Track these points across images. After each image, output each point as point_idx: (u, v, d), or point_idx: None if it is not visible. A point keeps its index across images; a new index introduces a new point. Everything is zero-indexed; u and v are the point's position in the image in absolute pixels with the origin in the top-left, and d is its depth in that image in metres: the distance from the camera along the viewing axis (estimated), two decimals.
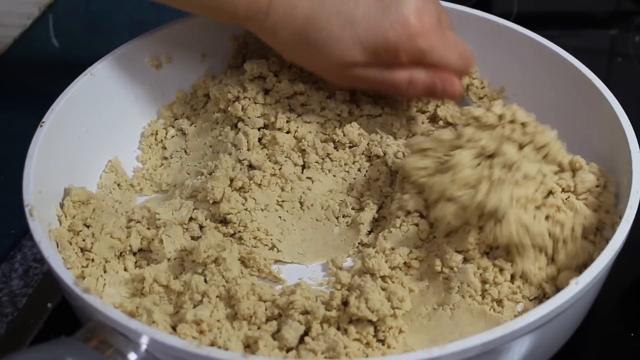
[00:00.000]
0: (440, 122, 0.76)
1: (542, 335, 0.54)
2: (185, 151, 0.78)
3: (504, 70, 0.82)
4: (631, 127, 0.66)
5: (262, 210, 0.70)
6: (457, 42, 0.70)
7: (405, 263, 0.64)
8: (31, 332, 0.66)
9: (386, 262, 0.63)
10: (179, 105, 0.82)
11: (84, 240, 0.65)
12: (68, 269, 0.55)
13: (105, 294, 0.63)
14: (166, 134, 0.79)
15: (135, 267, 0.66)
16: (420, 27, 0.66)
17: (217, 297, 0.59)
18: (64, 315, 0.67)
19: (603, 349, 0.66)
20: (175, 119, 0.81)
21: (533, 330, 0.52)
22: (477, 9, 0.83)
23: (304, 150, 0.73)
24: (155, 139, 0.79)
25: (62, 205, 0.67)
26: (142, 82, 0.79)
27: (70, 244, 0.64)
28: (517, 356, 0.55)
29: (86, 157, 0.73)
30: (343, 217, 0.71)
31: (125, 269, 0.65)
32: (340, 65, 0.68)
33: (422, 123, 0.75)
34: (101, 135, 0.75)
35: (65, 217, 0.66)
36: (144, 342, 0.51)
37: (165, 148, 0.78)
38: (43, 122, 0.67)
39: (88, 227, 0.66)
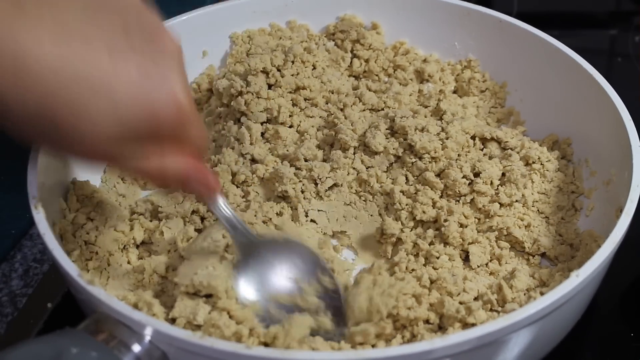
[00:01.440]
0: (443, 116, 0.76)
1: (543, 328, 0.55)
2: None
3: (506, 66, 0.83)
4: (632, 121, 0.66)
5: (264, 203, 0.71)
6: (201, 122, 0.61)
7: None
8: (31, 332, 0.66)
9: None
10: None
11: (87, 233, 0.65)
12: (72, 261, 0.55)
13: (108, 287, 0.63)
14: None
15: (138, 260, 0.66)
16: (187, 101, 0.54)
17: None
18: (64, 315, 0.67)
19: (603, 348, 0.66)
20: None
21: (534, 322, 0.52)
22: None
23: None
24: None
25: (66, 199, 0.67)
26: None
27: (74, 237, 0.65)
28: (517, 348, 0.55)
29: None
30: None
31: (128, 262, 0.66)
32: (92, 151, 0.53)
33: (425, 117, 0.75)
34: None
35: (70, 210, 0.66)
36: (147, 333, 0.51)
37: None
38: None
39: (92, 220, 0.67)
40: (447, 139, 0.71)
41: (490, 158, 0.72)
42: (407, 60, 0.85)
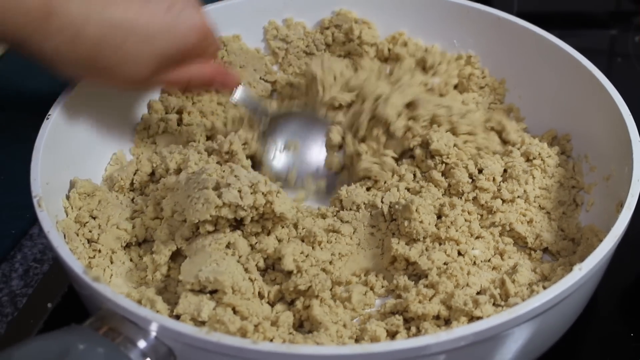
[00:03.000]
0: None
1: (545, 322, 0.55)
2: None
3: (504, 63, 0.83)
4: (631, 117, 0.67)
5: None
6: (214, 32, 0.71)
7: None
8: (31, 332, 0.66)
9: None
10: (170, 99, 0.82)
11: (90, 231, 0.65)
12: (76, 259, 0.56)
13: (112, 285, 0.63)
14: (158, 128, 0.79)
15: (140, 258, 0.66)
16: (206, 27, 0.67)
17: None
18: (64, 315, 0.67)
19: (603, 349, 0.66)
20: (167, 113, 0.81)
21: (537, 316, 0.53)
22: None
23: None
24: (148, 133, 0.79)
25: (68, 197, 0.67)
26: None
27: (77, 235, 0.65)
28: (519, 343, 0.55)
29: (92, 149, 0.73)
30: None
31: (131, 260, 0.66)
32: (136, 80, 0.65)
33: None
34: (107, 128, 0.75)
35: (72, 208, 0.67)
36: (153, 329, 0.51)
37: (155, 143, 0.79)
38: (49, 115, 0.67)
39: (94, 218, 0.67)
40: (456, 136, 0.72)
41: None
42: (408, 52, 0.85)
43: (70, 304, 0.65)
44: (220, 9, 0.84)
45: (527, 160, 0.72)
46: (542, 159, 0.72)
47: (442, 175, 0.71)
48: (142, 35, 0.62)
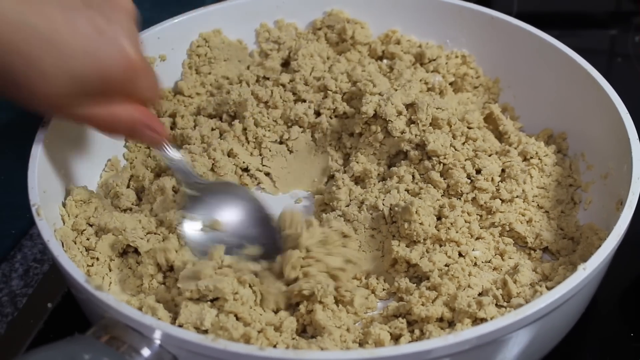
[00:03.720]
0: None
1: (549, 323, 0.55)
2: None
3: (498, 63, 0.83)
4: (629, 115, 0.67)
5: None
6: (151, 69, 0.63)
7: None
8: (31, 332, 0.66)
9: None
10: (163, 103, 0.81)
11: (88, 239, 0.65)
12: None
13: (111, 292, 0.63)
14: None
15: (138, 264, 0.66)
16: (136, 58, 0.58)
17: None
18: (64, 315, 0.67)
19: (603, 349, 0.66)
20: (159, 117, 0.80)
21: (542, 317, 0.53)
22: None
23: None
24: None
25: (64, 205, 0.67)
26: None
27: (75, 243, 0.64)
28: (522, 345, 0.55)
29: (86, 156, 0.73)
30: None
31: (129, 267, 0.65)
32: (47, 101, 0.57)
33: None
34: (101, 134, 0.74)
35: (69, 216, 0.66)
36: (157, 337, 0.51)
37: (149, 147, 0.78)
38: (44, 122, 0.66)
39: (91, 225, 0.66)
40: (454, 138, 0.72)
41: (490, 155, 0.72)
42: (402, 49, 0.85)
43: (70, 304, 0.65)
44: (211, 12, 0.84)
45: (525, 159, 0.72)
46: (539, 158, 0.72)
47: (441, 175, 0.70)
48: (59, 51, 0.54)
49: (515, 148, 0.73)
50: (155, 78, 0.62)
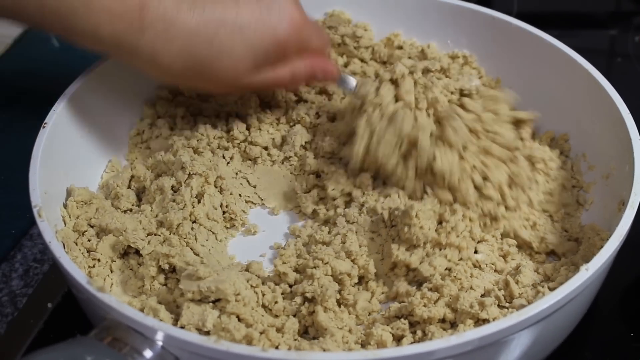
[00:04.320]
0: None
1: (551, 324, 0.55)
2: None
3: (499, 63, 0.83)
4: (630, 115, 0.67)
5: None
6: (318, 26, 0.72)
7: None
8: (31, 332, 0.66)
9: None
10: (162, 104, 0.81)
11: (89, 240, 0.65)
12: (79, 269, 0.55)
13: (113, 294, 0.63)
14: (152, 133, 0.79)
15: (139, 266, 0.66)
16: (302, 20, 0.66)
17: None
18: (64, 315, 0.67)
19: (603, 349, 0.66)
20: (159, 117, 0.80)
21: (545, 318, 0.53)
22: None
23: None
24: (142, 138, 0.79)
25: (65, 206, 0.67)
26: (144, 81, 0.78)
27: (76, 244, 0.64)
28: (526, 344, 0.55)
29: (87, 157, 0.73)
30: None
31: (130, 268, 0.65)
32: (234, 77, 0.66)
33: None
34: (102, 135, 0.75)
35: (70, 217, 0.66)
36: (159, 338, 0.51)
37: (149, 148, 0.78)
38: (45, 124, 0.66)
39: (92, 227, 0.66)
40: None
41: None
42: (408, 55, 0.86)
43: (70, 304, 0.65)
44: None
45: (531, 163, 0.72)
46: (545, 163, 0.72)
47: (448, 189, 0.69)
48: (234, 27, 0.63)
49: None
50: (322, 30, 0.72)
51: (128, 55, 0.63)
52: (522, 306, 0.56)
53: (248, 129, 0.77)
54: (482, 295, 0.61)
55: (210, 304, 0.59)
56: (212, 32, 0.62)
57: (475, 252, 0.66)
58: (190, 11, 0.61)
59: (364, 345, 0.58)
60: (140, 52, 0.62)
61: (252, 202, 0.74)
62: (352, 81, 0.74)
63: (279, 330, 0.58)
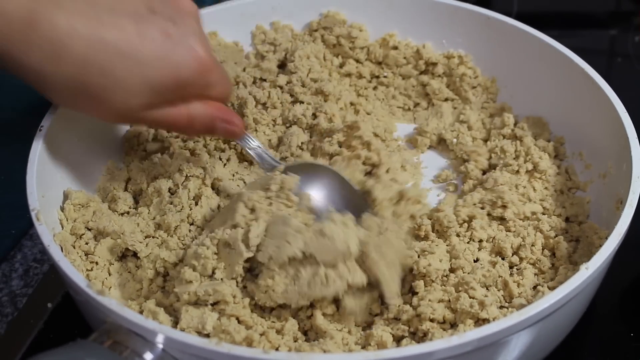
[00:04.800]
0: None
1: (550, 323, 0.55)
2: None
3: (494, 62, 0.83)
4: (627, 114, 0.67)
5: None
6: (224, 72, 0.64)
7: None
8: (31, 332, 0.66)
9: None
10: None
11: (87, 243, 0.65)
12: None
13: (111, 297, 0.62)
14: (148, 135, 0.78)
15: (137, 268, 0.66)
16: (210, 62, 0.60)
17: None
18: (64, 315, 0.67)
19: (603, 349, 0.66)
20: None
21: (545, 318, 0.53)
22: None
23: None
24: (138, 141, 0.79)
25: (62, 209, 0.67)
26: None
27: (74, 247, 0.64)
28: (526, 344, 0.55)
29: (84, 160, 0.72)
30: None
31: (128, 271, 0.65)
32: (126, 110, 0.59)
33: None
34: (98, 137, 0.74)
35: (67, 220, 0.66)
36: (160, 341, 0.51)
37: (145, 151, 0.78)
38: (42, 127, 0.66)
39: (90, 230, 0.66)
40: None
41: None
42: (403, 55, 0.86)
43: (70, 304, 0.65)
44: (206, 14, 0.83)
45: (528, 171, 0.72)
46: (543, 173, 0.72)
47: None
48: (133, 60, 0.56)
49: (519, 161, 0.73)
50: (227, 74, 0.64)
51: (14, 71, 0.57)
52: (522, 306, 0.56)
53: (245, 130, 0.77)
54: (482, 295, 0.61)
55: (209, 306, 0.58)
56: (107, 62, 0.55)
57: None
58: (85, 34, 0.54)
59: (364, 346, 0.58)
60: (27, 71, 0.56)
61: None
62: (254, 142, 0.70)
63: (278, 332, 0.58)
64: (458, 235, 0.66)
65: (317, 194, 0.66)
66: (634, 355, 0.65)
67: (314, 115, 0.78)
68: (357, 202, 0.67)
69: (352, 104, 0.82)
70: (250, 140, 0.70)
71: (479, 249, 0.66)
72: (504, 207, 0.68)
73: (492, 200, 0.68)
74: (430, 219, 0.68)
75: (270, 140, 0.77)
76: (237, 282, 0.59)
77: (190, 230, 0.67)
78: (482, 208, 0.69)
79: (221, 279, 0.59)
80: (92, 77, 0.56)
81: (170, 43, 0.57)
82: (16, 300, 0.70)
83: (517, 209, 0.68)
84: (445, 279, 0.62)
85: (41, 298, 0.69)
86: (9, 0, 0.53)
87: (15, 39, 0.54)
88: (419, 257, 0.64)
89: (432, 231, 0.67)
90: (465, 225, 0.67)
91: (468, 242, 0.66)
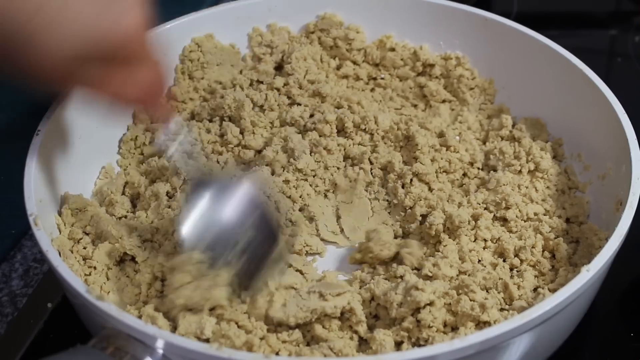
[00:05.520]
0: None
1: (552, 325, 0.55)
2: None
3: (491, 64, 0.83)
4: (626, 115, 0.67)
5: None
6: (153, 56, 0.59)
7: None
8: (31, 332, 0.66)
9: None
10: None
11: (84, 248, 0.64)
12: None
13: (109, 302, 0.62)
14: (145, 138, 0.78)
15: (136, 273, 0.65)
16: (141, 30, 0.56)
17: None
18: (64, 315, 0.67)
19: (603, 349, 0.66)
20: (152, 122, 0.80)
21: (546, 321, 0.52)
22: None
23: None
24: (135, 144, 0.78)
25: (60, 213, 0.66)
26: None
27: (72, 252, 0.64)
28: (527, 347, 0.55)
29: (81, 164, 0.72)
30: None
31: (127, 276, 0.65)
32: (59, 59, 0.54)
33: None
34: (95, 141, 0.74)
35: (65, 225, 0.65)
36: (160, 346, 0.50)
37: (142, 154, 0.78)
38: (39, 131, 0.66)
39: (87, 234, 0.66)
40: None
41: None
42: (400, 57, 0.86)
43: (70, 304, 0.64)
44: (203, 17, 0.84)
45: (529, 171, 0.72)
46: (544, 173, 0.72)
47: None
48: (54, 14, 0.51)
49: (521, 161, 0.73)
50: (156, 63, 0.59)
51: None
52: (523, 308, 0.56)
53: (242, 132, 0.77)
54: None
55: (207, 311, 0.58)
56: (33, 8, 0.51)
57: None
58: None
59: (364, 350, 0.58)
60: None
61: None
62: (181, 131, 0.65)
63: (278, 336, 0.58)
64: (466, 235, 0.66)
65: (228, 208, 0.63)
66: (634, 355, 0.65)
67: (311, 116, 0.78)
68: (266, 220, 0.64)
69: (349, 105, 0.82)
70: (176, 127, 0.65)
71: (484, 248, 0.66)
72: (508, 208, 0.68)
73: (495, 201, 0.68)
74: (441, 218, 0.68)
75: (267, 142, 0.77)
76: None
77: None
78: (486, 209, 0.69)
79: None
80: (14, 21, 0.51)
81: (99, 7, 0.53)
82: (16, 300, 0.70)
83: (520, 210, 0.68)
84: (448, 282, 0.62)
85: (41, 298, 0.69)
86: None
87: None
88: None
89: (443, 231, 0.67)
90: (472, 224, 0.67)
91: (474, 241, 0.66)
